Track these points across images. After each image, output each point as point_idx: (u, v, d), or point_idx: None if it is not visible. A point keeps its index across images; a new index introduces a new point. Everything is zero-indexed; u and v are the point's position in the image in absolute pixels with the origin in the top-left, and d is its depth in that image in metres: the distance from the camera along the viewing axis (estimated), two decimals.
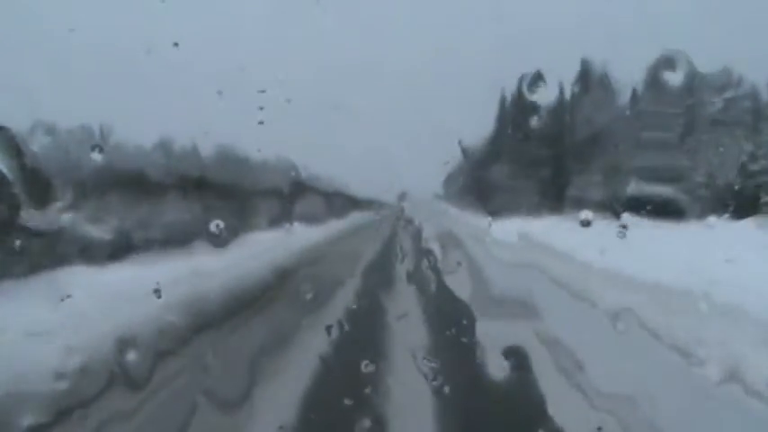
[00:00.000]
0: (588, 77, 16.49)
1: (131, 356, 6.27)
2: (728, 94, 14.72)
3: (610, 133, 16.12)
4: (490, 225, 13.42)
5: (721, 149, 14.50)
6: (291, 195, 14.07)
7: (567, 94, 16.93)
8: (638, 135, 15.08)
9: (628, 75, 15.19)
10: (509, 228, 13.25)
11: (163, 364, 6.47)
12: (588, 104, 16.52)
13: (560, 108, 16.76)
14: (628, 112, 16.04)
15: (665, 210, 12.67)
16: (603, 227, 9.15)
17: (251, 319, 8.68)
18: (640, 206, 11.94)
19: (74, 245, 8.82)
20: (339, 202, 18.83)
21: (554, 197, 16.43)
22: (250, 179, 13.88)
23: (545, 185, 16.99)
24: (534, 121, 16.88)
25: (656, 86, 14.88)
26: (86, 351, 6.10)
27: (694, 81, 14.60)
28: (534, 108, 17.16)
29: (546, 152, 17.17)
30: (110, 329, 6.70)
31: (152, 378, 6.14)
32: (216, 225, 8.57)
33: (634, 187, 14.22)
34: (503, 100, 16.93)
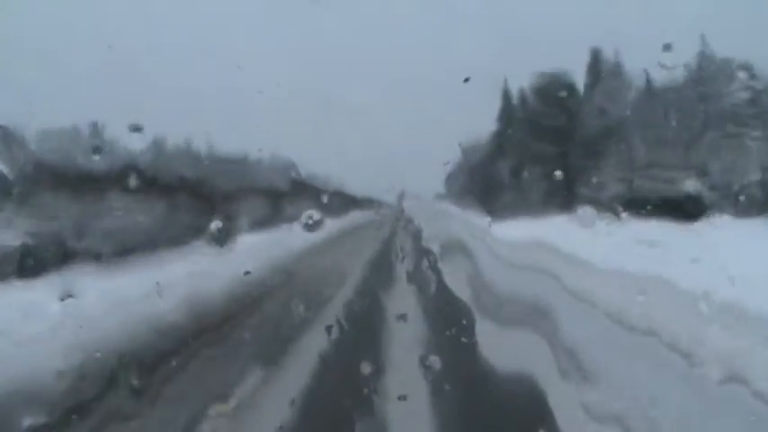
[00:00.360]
0: (599, 67, 15.75)
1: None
2: (750, 84, 13.99)
3: (622, 126, 15.36)
4: (490, 225, 13.37)
5: (745, 144, 13.69)
6: (291, 195, 14.05)
7: (576, 86, 16.22)
8: (652, 128, 14.47)
9: (642, 64, 14.38)
10: (512, 227, 13.16)
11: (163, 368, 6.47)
12: (600, 96, 15.80)
13: (569, 101, 16.13)
14: (632, 108, 15.41)
15: (680, 208, 12.02)
16: (604, 226, 9.07)
17: (253, 314, 8.73)
18: (651, 204, 11.55)
19: (71, 247, 8.80)
20: (339, 201, 18.79)
21: (562, 195, 15.64)
22: (249, 178, 13.86)
23: (552, 183, 16.19)
24: (540, 115, 16.20)
25: (673, 77, 14.13)
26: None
27: (711, 71, 14.11)
28: (540, 102, 16.63)
29: (553, 148, 16.39)
30: (114, 328, 6.72)
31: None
32: (215, 226, 8.56)
33: (645, 184, 13.74)
34: (506, 94, 16.38)
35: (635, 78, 15.27)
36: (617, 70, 15.61)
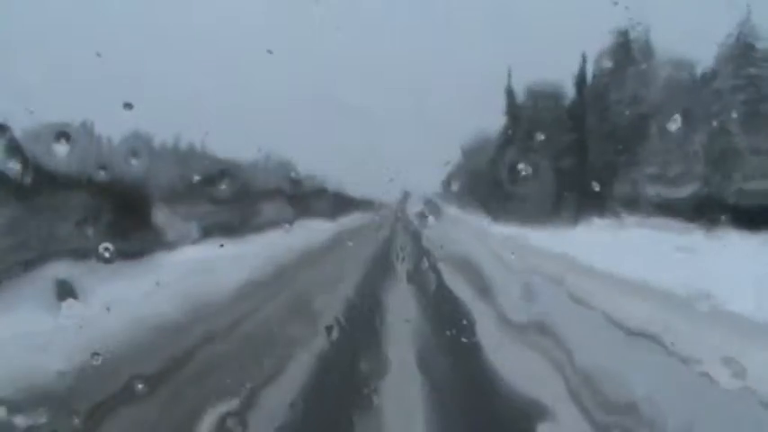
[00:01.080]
0: (628, 47, 13.04)
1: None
2: None
3: (659, 115, 12.35)
4: (490, 225, 13.29)
5: None
6: (292, 196, 14.05)
7: (594, 72, 13.96)
8: (695, 117, 11.64)
9: (676, 42, 12.03)
10: (512, 233, 12.97)
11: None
12: (631, 81, 13.14)
13: (585, 90, 14.03)
14: (668, 94, 12.35)
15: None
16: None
17: (256, 313, 8.71)
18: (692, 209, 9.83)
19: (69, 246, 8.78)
20: (339, 202, 18.83)
21: (582, 198, 13.13)
22: (248, 178, 13.86)
23: (568, 184, 13.76)
24: (552, 109, 14.52)
25: (716, 56, 11.66)
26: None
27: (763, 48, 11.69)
28: (552, 94, 14.88)
29: (569, 144, 14.19)
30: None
31: None
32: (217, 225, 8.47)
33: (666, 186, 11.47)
34: (510, 90, 14.80)
35: (670, 59, 12.65)
36: (647, 50, 13.06)
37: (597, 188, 12.83)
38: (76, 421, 4.68)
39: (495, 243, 13.13)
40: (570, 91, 14.53)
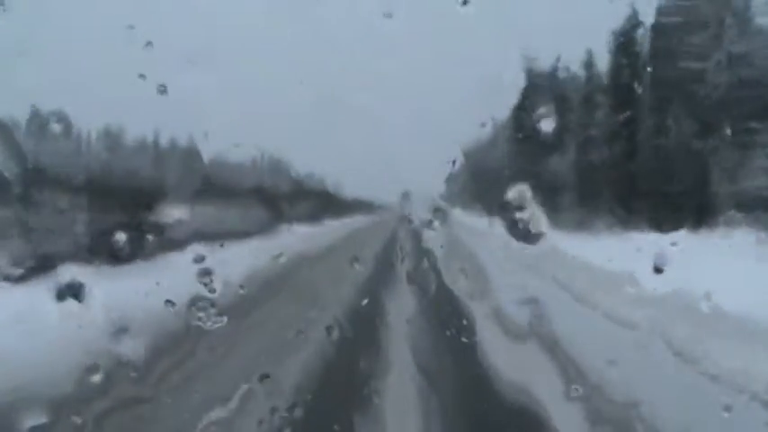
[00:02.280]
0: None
1: None
2: None
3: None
4: (490, 225, 13.18)
5: None
6: (291, 196, 14.05)
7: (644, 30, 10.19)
8: None
9: None
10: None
11: None
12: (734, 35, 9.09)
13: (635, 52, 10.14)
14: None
15: None
16: None
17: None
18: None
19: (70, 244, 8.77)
20: (340, 203, 18.81)
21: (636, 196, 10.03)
22: (248, 179, 13.85)
23: (612, 178, 10.56)
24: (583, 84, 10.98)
25: None
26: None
27: None
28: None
29: (600, 130, 10.76)
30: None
31: None
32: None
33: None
34: (529, 72, 11.52)
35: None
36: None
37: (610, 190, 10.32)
38: None
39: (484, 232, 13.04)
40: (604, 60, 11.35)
